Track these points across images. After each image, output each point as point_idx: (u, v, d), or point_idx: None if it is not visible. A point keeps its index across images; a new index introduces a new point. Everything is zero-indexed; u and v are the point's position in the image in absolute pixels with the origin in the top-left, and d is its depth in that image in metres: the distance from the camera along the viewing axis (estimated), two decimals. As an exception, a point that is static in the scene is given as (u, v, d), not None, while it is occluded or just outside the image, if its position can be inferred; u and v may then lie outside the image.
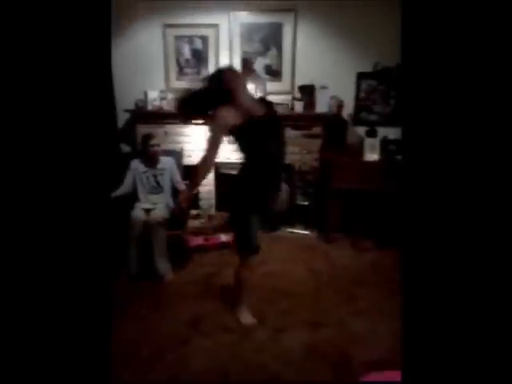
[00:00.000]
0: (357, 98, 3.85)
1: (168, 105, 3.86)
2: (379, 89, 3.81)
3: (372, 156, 3.55)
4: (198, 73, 3.93)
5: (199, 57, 3.90)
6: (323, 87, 3.67)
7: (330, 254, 3.23)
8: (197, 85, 2.15)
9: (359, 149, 3.61)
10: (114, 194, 2.91)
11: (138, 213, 2.84)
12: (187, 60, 3.93)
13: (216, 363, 1.88)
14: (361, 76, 3.77)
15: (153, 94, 3.85)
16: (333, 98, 3.74)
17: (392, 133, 3.70)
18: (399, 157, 3.52)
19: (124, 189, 3.01)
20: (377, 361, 1.87)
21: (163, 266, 2.79)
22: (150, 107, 3.83)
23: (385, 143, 3.59)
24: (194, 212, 3.86)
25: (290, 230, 3.75)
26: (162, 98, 3.86)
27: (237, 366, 1.86)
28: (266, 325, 2.19)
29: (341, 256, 3.20)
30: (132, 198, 3.03)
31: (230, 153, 3.89)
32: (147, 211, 2.89)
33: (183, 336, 2.10)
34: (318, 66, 3.77)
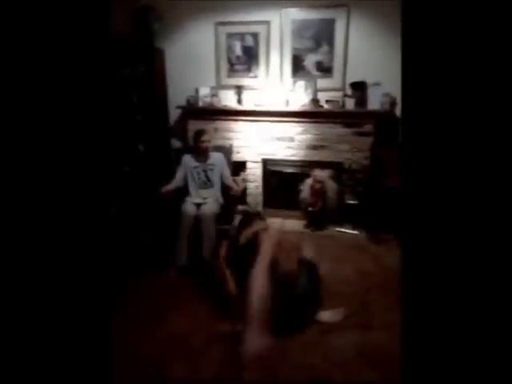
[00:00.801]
0: (411, 94, 3.70)
1: (218, 101, 3.92)
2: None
3: (426, 155, 3.41)
4: (249, 69, 3.96)
5: (250, 53, 3.93)
6: (376, 84, 3.57)
7: (380, 255, 3.14)
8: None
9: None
10: (165, 189, 2.99)
11: (188, 207, 2.91)
12: (238, 57, 3.97)
13: (265, 363, 1.89)
14: (417, 72, 3.62)
15: (204, 91, 3.92)
16: (385, 95, 3.62)
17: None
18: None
19: (175, 183, 3.09)
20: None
21: (212, 260, 2.84)
22: (200, 104, 3.92)
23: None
24: (240, 207, 3.90)
25: (339, 229, 3.69)
26: (213, 95, 3.93)
27: (284, 366, 1.86)
28: (314, 325, 2.17)
29: (390, 257, 3.10)
30: (183, 192, 3.11)
31: (276, 149, 3.90)
32: (198, 205, 2.95)
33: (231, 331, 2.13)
34: (371, 62, 3.67)
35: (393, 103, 3.68)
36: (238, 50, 3.95)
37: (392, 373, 1.79)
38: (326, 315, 2.23)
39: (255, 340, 1.55)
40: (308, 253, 2.52)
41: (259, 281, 1.67)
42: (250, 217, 2.44)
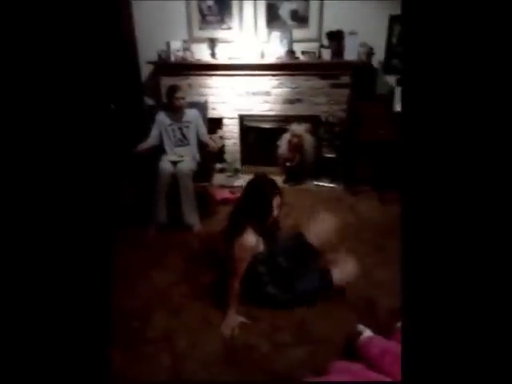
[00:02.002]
0: (388, 44, 3.64)
1: (191, 55, 3.77)
2: (413, 33, 3.57)
3: (403, 106, 3.41)
4: (222, 20, 3.78)
5: (222, 3, 3.73)
6: (352, 33, 3.47)
7: (357, 207, 3.21)
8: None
9: (389, 99, 3.46)
10: (140, 147, 2.92)
11: (165, 165, 2.87)
12: (210, 7, 3.77)
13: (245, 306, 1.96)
14: (394, 19, 3.53)
15: (175, 45, 3.75)
16: (362, 44, 3.54)
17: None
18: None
19: (150, 142, 3.02)
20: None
21: (191, 216, 2.85)
22: (172, 58, 3.76)
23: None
24: (219, 166, 3.88)
25: (316, 182, 3.72)
26: (185, 49, 3.77)
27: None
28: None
29: (367, 208, 3.17)
30: (160, 150, 3.05)
31: (253, 104, 3.82)
32: (174, 163, 2.91)
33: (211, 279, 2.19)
34: (347, 10, 3.54)
35: (369, 53, 3.61)
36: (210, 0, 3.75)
37: (368, 315, 1.89)
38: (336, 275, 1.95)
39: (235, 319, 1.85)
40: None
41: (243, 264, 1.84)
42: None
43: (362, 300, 2.00)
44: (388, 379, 1.23)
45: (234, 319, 1.85)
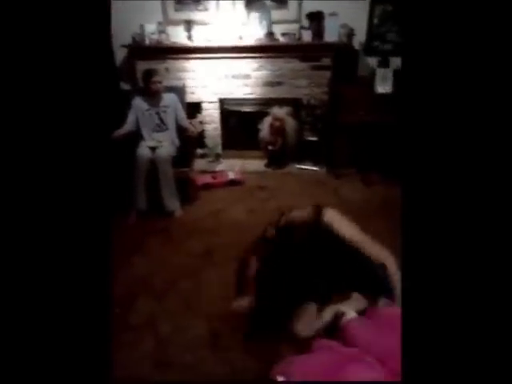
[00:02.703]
0: (369, 25, 3.59)
1: (167, 38, 3.64)
2: (395, 15, 3.53)
3: (384, 88, 3.38)
4: (198, 2, 3.65)
5: (199, -17, 3.60)
6: (332, 14, 3.40)
7: (339, 189, 3.19)
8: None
9: (370, 80, 3.43)
10: (116, 133, 2.82)
11: (143, 151, 2.78)
12: (185, -12, 3.64)
13: (230, 290, 1.91)
14: (375, 0, 3.49)
15: (150, 27, 3.61)
16: (343, 26, 3.49)
17: (406, 62, 3.50)
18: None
19: (127, 127, 2.92)
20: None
21: (172, 202, 2.78)
22: (147, 41, 3.62)
23: (398, 74, 3.40)
24: (199, 151, 3.79)
25: (299, 166, 3.68)
26: (161, 31, 3.63)
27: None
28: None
29: (350, 190, 3.16)
30: (136, 136, 2.95)
31: (233, 87, 3.74)
32: (153, 149, 2.82)
33: (195, 267, 2.12)
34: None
35: (350, 35, 3.57)
36: (185, -21, 3.62)
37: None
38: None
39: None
40: None
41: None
42: None
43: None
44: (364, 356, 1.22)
45: None
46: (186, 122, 3.06)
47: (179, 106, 3.06)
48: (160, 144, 2.87)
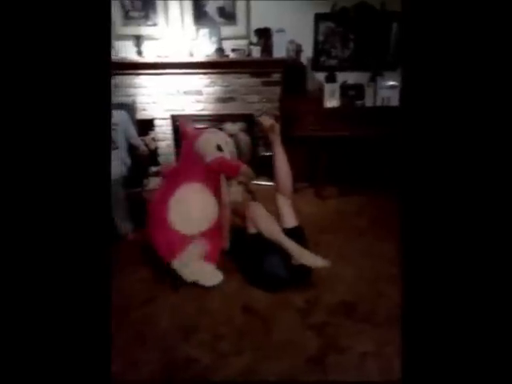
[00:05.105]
0: (315, 41, 3.72)
1: (115, 53, 3.55)
2: (338, 31, 3.68)
3: (332, 102, 3.51)
4: (147, 16, 3.61)
5: (145, -1, 3.56)
6: (280, 31, 3.49)
7: (294, 203, 3.23)
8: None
9: (319, 95, 3.55)
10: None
11: (91, 172, 2.67)
12: (132, 2, 3.58)
13: (183, 318, 1.87)
14: (318, 17, 3.62)
15: (97, 42, 3.51)
16: (291, 42, 3.59)
17: (352, 77, 3.65)
18: (359, 102, 3.50)
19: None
20: (341, 302, 1.94)
21: (124, 225, 2.69)
22: (94, 57, 3.51)
23: (344, 89, 3.54)
24: (153, 169, 3.71)
25: (254, 182, 3.70)
26: (108, 47, 3.54)
27: (205, 319, 1.86)
28: (234, 276, 2.19)
29: (305, 204, 3.22)
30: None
31: (184, 104, 3.71)
32: (102, 170, 2.72)
33: (148, 294, 2.06)
34: (274, 8, 3.57)
35: (298, 50, 3.67)
36: (132, -6, 3.56)
37: (308, 313, 1.89)
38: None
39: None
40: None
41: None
42: None
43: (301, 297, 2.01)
44: None
45: None
46: (137, 140, 2.98)
47: (129, 124, 2.98)
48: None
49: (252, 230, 2.20)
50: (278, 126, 2.24)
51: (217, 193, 2.40)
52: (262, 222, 2.15)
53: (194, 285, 2.10)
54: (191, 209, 2.23)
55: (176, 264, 2.11)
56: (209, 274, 2.15)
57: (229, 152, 2.43)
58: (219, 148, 2.32)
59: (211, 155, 2.27)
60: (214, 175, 2.36)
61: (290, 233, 2.12)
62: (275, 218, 2.22)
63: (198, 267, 2.14)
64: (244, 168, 2.31)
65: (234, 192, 2.44)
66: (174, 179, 2.33)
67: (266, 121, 2.27)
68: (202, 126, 3.81)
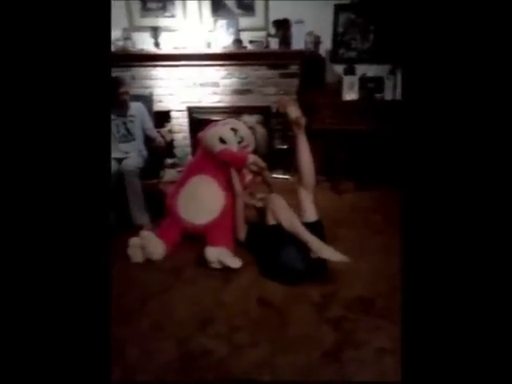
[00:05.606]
0: (334, 33, 3.65)
1: (133, 45, 3.56)
2: (358, 23, 3.60)
3: (351, 95, 3.45)
4: (164, 8, 3.60)
5: (164, -11, 3.55)
6: (299, 22, 3.43)
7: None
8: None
9: (338, 88, 3.49)
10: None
11: (109, 163, 2.70)
12: (150, -7, 3.57)
13: (200, 309, 1.87)
14: (338, 8, 3.55)
15: (115, 34, 3.52)
16: (309, 33, 3.53)
17: (371, 70, 3.58)
18: (378, 95, 3.43)
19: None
20: (358, 297, 1.91)
21: (140, 216, 2.70)
22: (112, 48, 3.52)
23: (364, 81, 3.47)
24: (169, 161, 3.72)
25: (270, 175, 3.68)
26: (126, 38, 3.55)
27: (221, 311, 1.86)
28: (250, 268, 2.19)
29: (321, 198, 3.16)
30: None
31: (201, 96, 3.70)
32: (119, 161, 2.74)
33: (165, 284, 2.07)
34: (293, -2, 3.51)
35: (317, 42, 3.61)
36: (150, -15, 3.55)
37: (326, 307, 1.87)
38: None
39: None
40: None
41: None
42: None
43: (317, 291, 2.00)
44: None
45: None
46: (153, 132, 3.00)
47: (146, 116, 2.99)
48: (126, 155, 2.80)
49: (271, 222, 2.19)
50: (304, 119, 2.17)
51: (227, 184, 2.45)
52: (282, 213, 2.14)
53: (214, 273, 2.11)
54: (197, 200, 2.42)
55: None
56: (229, 258, 2.18)
57: (237, 143, 2.48)
58: (222, 140, 2.36)
59: (217, 147, 2.36)
60: (223, 167, 2.41)
61: (310, 227, 2.10)
62: (294, 211, 2.21)
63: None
64: (252, 158, 2.33)
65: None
66: (187, 172, 2.52)
67: (293, 112, 2.21)
68: (217, 119, 3.82)
